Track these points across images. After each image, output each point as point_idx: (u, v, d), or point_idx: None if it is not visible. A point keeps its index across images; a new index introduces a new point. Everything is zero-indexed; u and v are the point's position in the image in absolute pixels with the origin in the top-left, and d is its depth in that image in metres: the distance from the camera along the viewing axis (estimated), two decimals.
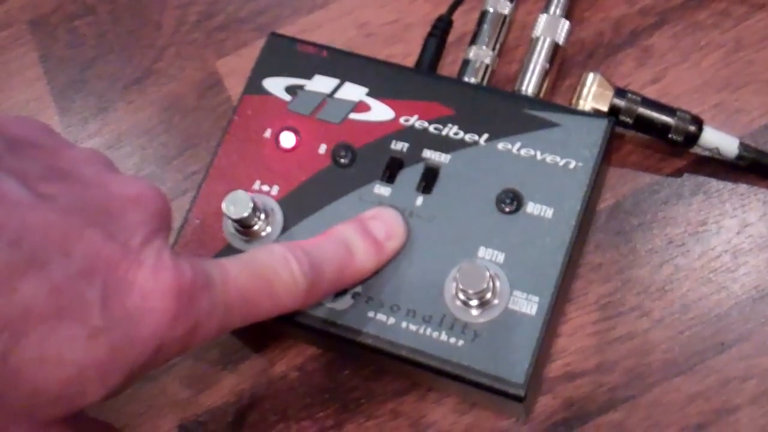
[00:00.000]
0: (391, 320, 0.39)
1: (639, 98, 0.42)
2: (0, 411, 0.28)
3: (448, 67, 0.47)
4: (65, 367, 0.28)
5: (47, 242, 0.28)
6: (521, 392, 0.37)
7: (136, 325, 0.29)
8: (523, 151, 0.40)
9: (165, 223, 0.32)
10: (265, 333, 0.45)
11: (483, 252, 0.39)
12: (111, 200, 0.31)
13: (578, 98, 0.42)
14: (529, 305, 0.38)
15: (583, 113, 0.41)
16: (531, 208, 0.39)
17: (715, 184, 0.44)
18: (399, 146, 0.41)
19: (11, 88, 0.53)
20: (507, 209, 0.40)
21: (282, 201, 0.41)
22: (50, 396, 0.28)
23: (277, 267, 0.35)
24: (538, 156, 0.40)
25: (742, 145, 0.42)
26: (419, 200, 0.40)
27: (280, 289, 0.35)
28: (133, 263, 0.30)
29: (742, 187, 0.44)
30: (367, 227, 0.39)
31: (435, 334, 0.38)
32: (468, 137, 0.41)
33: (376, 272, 0.39)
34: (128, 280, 0.29)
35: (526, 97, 0.43)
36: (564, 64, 0.46)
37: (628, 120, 0.42)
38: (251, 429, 0.43)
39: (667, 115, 0.42)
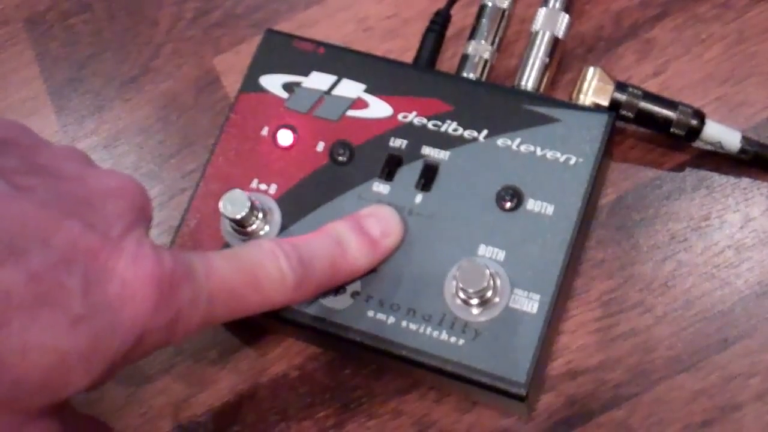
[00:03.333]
0: (391, 319, 0.38)
1: (640, 92, 0.42)
2: None
3: (446, 62, 0.47)
4: (48, 355, 0.28)
5: (26, 232, 0.28)
6: (523, 391, 0.37)
7: (118, 313, 0.30)
8: (523, 147, 0.40)
9: (144, 216, 0.32)
10: (263, 331, 0.44)
11: (483, 250, 0.39)
12: (90, 192, 0.31)
13: (578, 93, 0.42)
14: (530, 303, 0.38)
15: (583, 108, 0.41)
16: (531, 204, 0.39)
17: (717, 178, 0.43)
18: (397, 143, 0.41)
19: (7, 87, 0.53)
20: (507, 206, 0.39)
21: (280, 199, 0.41)
22: (33, 385, 0.28)
23: (264, 261, 0.35)
24: (539, 152, 0.40)
25: (745, 139, 0.42)
26: (418, 198, 0.40)
27: (267, 284, 0.35)
28: (113, 252, 0.30)
29: (745, 181, 0.43)
30: (361, 224, 0.38)
31: (435, 334, 0.38)
32: (467, 133, 0.41)
33: (373, 270, 0.39)
34: (108, 269, 0.30)
35: (525, 93, 0.42)
36: (564, 59, 0.46)
37: (629, 114, 0.42)
38: (251, 429, 0.43)
39: (668, 109, 0.42)
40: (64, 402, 0.30)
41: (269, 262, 0.35)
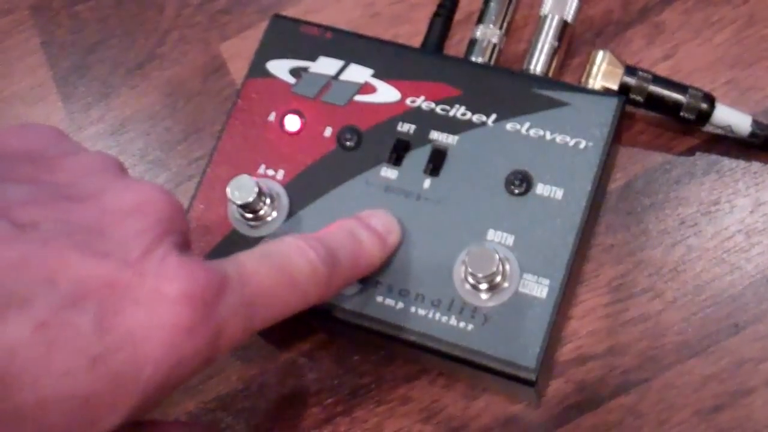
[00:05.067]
0: (400, 305, 0.38)
1: (650, 76, 0.41)
2: None
3: (454, 46, 0.46)
4: (67, 402, 0.27)
5: (27, 277, 0.26)
6: (533, 376, 0.37)
7: (143, 344, 0.27)
8: (532, 132, 0.40)
9: (172, 227, 0.30)
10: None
11: (492, 235, 0.39)
12: (105, 215, 0.29)
13: (588, 77, 0.42)
14: (539, 288, 0.37)
15: (592, 92, 0.41)
16: (541, 189, 0.39)
17: (727, 162, 0.43)
18: (405, 128, 0.41)
19: (13, 74, 0.53)
20: (516, 191, 0.39)
21: (288, 185, 0.41)
22: (59, 430, 0.27)
23: (294, 257, 0.33)
24: (548, 136, 0.40)
25: (755, 123, 0.42)
26: (427, 183, 0.40)
27: (302, 280, 0.33)
28: (133, 278, 0.28)
29: (756, 166, 0.43)
30: (366, 221, 0.38)
31: (444, 319, 0.38)
32: (476, 118, 0.41)
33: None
34: (128, 298, 0.27)
35: (534, 77, 0.42)
36: (573, 42, 0.46)
37: (639, 98, 0.42)
38: (260, 416, 0.43)
39: (678, 93, 0.41)
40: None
41: (298, 257, 0.33)
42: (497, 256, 0.37)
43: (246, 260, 0.32)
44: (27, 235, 0.27)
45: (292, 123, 0.42)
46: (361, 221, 0.38)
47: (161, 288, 0.28)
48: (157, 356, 0.28)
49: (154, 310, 0.28)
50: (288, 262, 0.33)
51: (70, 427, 0.27)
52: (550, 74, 0.43)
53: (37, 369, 0.26)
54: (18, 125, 0.33)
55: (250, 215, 0.40)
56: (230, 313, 0.30)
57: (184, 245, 0.31)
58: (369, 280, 0.39)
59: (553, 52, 0.43)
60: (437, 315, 0.38)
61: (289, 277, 0.33)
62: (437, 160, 0.40)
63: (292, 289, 0.33)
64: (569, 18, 0.43)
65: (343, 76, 0.42)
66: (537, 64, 0.43)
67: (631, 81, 0.41)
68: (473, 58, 0.43)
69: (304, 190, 0.41)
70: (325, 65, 0.43)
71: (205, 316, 0.29)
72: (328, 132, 0.41)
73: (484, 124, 0.40)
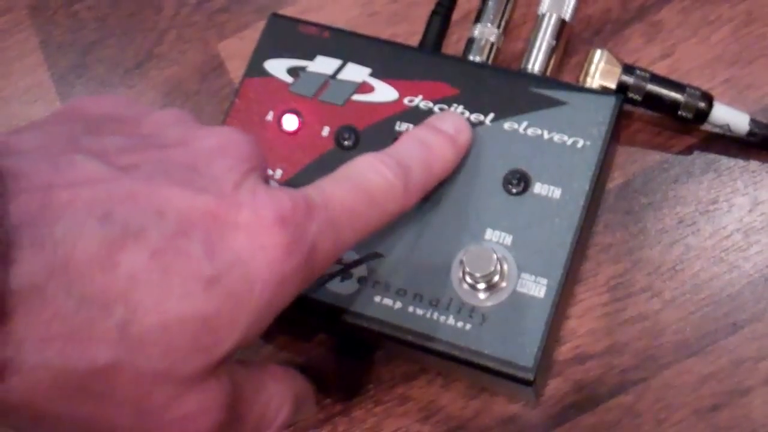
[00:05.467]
0: (398, 305, 0.38)
1: (648, 75, 0.41)
2: (138, 379, 0.28)
3: (452, 45, 0.46)
4: (189, 323, 0.28)
5: (137, 210, 0.28)
6: (531, 376, 0.36)
7: (250, 265, 0.30)
8: (530, 131, 0.40)
9: (255, 164, 0.32)
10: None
11: (490, 234, 0.38)
12: (195, 156, 0.31)
13: (585, 75, 0.42)
14: (537, 288, 0.37)
15: (590, 91, 0.41)
16: (539, 188, 0.39)
17: (725, 161, 0.43)
18: (404, 127, 0.41)
19: (11, 74, 0.53)
20: (514, 190, 0.39)
21: (285, 184, 0.41)
22: (183, 353, 0.29)
23: (368, 174, 0.35)
24: (546, 135, 0.40)
25: (753, 121, 0.42)
26: None
27: (379, 194, 0.35)
28: (230, 207, 0.30)
29: (754, 164, 0.43)
30: (435, 125, 0.39)
31: (442, 318, 0.38)
32: (473, 117, 0.41)
33: (380, 255, 0.39)
34: (229, 224, 0.30)
35: (532, 76, 0.42)
36: (571, 41, 0.46)
37: (637, 97, 0.41)
38: None
39: (676, 92, 0.41)
40: (227, 360, 0.30)
41: (373, 174, 0.35)
42: (495, 256, 0.37)
43: (325, 184, 0.34)
44: (130, 174, 0.29)
45: (290, 122, 0.42)
46: (429, 126, 0.39)
47: (256, 214, 0.30)
48: (264, 274, 0.30)
49: (254, 234, 0.30)
50: (363, 180, 0.35)
51: (194, 349, 0.29)
52: (548, 73, 0.43)
53: (158, 293, 0.28)
54: (93, 96, 0.35)
55: None
56: (320, 233, 0.32)
57: (266, 179, 0.33)
58: (367, 279, 0.39)
59: (551, 51, 0.43)
60: (435, 315, 0.38)
61: (366, 195, 0.34)
62: None
63: (371, 206, 0.35)
64: (567, 16, 0.43)
65: (340, 76, 0.42)
66: (535, 63, 0.43)
67: (629, 80, 0.41)
68: (471, 57, 0.43)
69: None
70: (323, 64, 0.43)
71: (299, 236, 0.31)
72: (325, 131, 0.41)
73: (481, 123, 0.40)
